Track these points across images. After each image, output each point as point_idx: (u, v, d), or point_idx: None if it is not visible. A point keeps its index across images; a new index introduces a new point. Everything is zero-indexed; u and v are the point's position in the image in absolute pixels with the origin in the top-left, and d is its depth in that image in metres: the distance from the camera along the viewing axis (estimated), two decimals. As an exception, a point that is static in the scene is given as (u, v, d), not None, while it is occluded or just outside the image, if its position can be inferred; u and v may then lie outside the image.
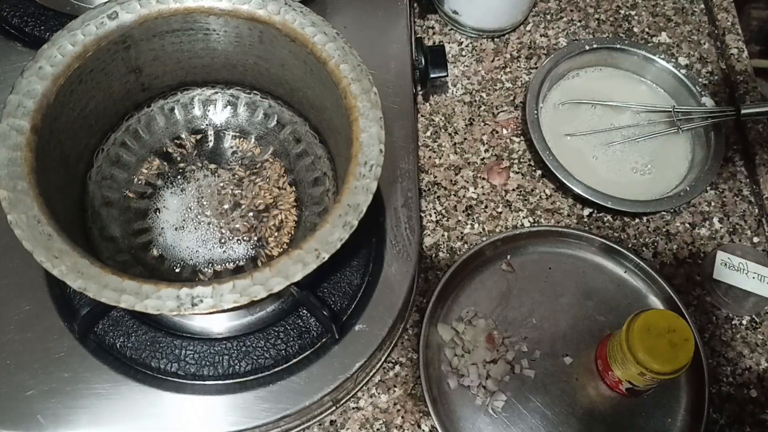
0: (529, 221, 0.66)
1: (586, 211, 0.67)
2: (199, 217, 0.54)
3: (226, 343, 0.51)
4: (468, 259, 0.62)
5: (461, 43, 0.75)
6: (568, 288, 0.63)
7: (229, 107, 0.57)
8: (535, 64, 0.74)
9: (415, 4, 0.76)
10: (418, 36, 0.73)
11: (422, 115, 0.70)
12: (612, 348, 0.56)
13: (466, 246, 0.64)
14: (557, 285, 0.63)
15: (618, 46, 0.72)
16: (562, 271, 0.64)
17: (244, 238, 0.54)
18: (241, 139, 0.57)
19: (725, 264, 0.63)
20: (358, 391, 0.57)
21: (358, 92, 0.47)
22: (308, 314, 0.52)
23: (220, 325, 0.53)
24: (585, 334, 0.61)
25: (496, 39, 0.76)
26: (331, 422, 0.56)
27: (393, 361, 0.59)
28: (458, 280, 0.62)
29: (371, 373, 0.57)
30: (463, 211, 0.66)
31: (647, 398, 0.59)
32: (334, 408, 0.56)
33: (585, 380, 0.60)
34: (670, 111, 0.69)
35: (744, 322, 0.63)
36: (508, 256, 0.64)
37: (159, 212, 0.54)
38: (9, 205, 0.42)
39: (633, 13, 0.79)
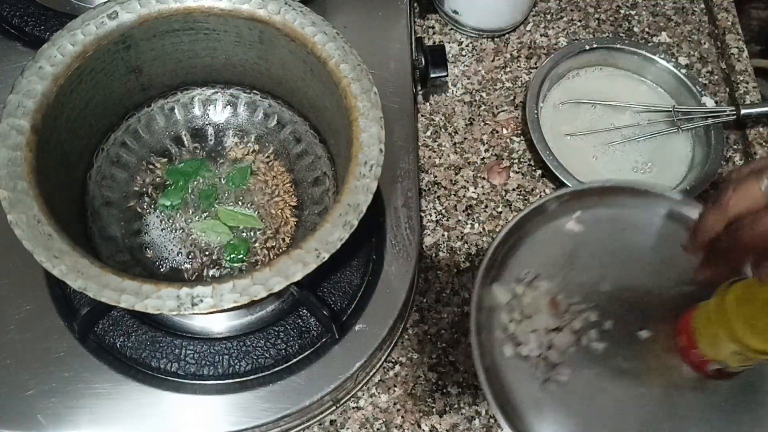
0: (529, 221, 0.66)
1: (586, 211, 0.67)
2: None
3: (226, 342, 0.51)
4: (529, 214, 0.54)
5: (461, 42, 0.75)
6: (646, 253, 0.55)
7: (229, 107, 0.57)
8: (535, 63, 0.74)
9: (415, 4, 0.76)
10: (418, 36, 0.73)
11: (422, 115, 0.70)
12: (699, 321, 0.48)
13: (466, 246, 0.64)
14: (633, 249, 0.55)
15: (618, 45, 0.72)
16: (638, 234, 0.55)
17: (244, 237, 0.54)
18: (241, 138, 0.57)
19: None
20: (358, 391, 0.57)
21: (358, 92, 0.47)
22: (308, 314, 0.52)
23: (220, 324, 0.53)
24: (665, 305, 0.52)
25: (496, 39, 0.76)
26: (331, 422, 0.56)
27: (393, 361, 0.59)
28: (516, 238, 0.54)
29: (371, 373, 0.57)
30: (463, 211, 0.66)
31: (737, 381, 0.51)
32: (334, 408, 0.56)
33: (663, 358, 0.51)
34: (670, 111, 0.69)
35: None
36: (577, 213, 0.56)
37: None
38: (9, 205, 0.42)
39: (633, 12, 0.79)
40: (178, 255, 0.53)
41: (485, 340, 0.51)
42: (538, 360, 0.51)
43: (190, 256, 0.53)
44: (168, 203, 0.54)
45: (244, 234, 0.54)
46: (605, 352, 0.51)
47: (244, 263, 0.53)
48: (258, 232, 0.54)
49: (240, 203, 0.55)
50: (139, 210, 0.54)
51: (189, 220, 0.54)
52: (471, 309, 0.51)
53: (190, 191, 0.55)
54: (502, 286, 0.53)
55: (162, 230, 0.54)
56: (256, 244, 0.54)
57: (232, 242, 0.53)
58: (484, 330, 0.51)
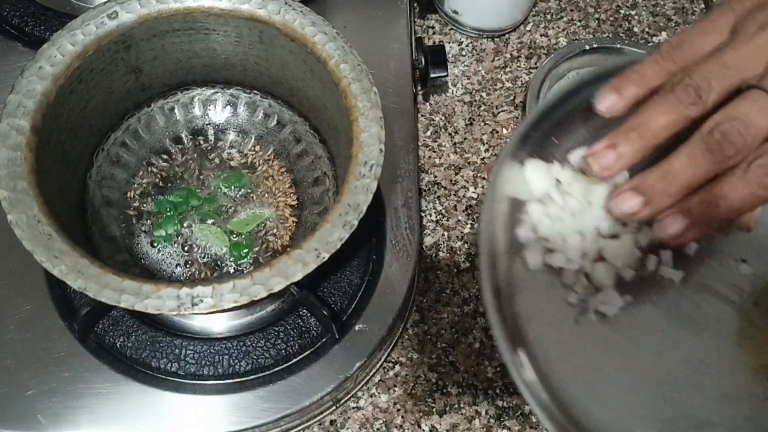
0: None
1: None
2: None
3: (226, 342, 0.51)
4: (592, 78, 0.35)
5: (461, 42, 0.75)
6: None
7: (229, 107, 0.57)
8: (535, 63, 0.74)
9: (415, 4, 0.76)
10: (418, 36, 0.73)
11: (422, 115, 0.70)
12: None
13: (466, 246, 0.64)
14: None
15: (618, 45, 0.72)
16: None
17: (244, 237, 0.54)
18: (241, 138, 0.57)
19: None
20: (358, 391, 0.57)
21: (358, 92, 0.47)
22: (308, 314, 0.52)
23: (220, 324, 0.53)
24: None
25: (496, 39, 0.76)
26: (331, 422, 0.56)
27: (393, 360, 0.59)
28: (577, 101, 0.35)
29: (371, 373, 0.57)
30: (463, 211, 0.66)
31: None
32: (334, 408, 0.56)
33: None
34: (670, 111, 0.69)
35: None
36: None
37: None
38: (9, 205, 0.42)
39: (633, 12, 0.79)
40: (178, 258, 0.53)
41: (498, 245, 0.34)
42: (577, 276, 0.34)
43: (187, 264, 0.53)
44: (163, 233, 0.53)
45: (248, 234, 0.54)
46: (683, 284, 0.35)
47: (251, 256, 0.53)
48: (259, 230, 0.54)
49: (242, 207, 0.55)
50: (140, 210, 0.54)
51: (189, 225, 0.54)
52: (487, 194, 0.35)
53: (185, 224, 0.54)
54: (541, 164, 0.35)
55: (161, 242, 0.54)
56: (257, 246, 0.54)
57: (234, 242, 0.53)
58: (500, 227, 0.34)
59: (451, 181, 0.67)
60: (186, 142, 0.56)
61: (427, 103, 0.71)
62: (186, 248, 0.53)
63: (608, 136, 0.33)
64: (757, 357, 0.34)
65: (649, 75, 0.33)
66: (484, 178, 0.67)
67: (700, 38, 0.33)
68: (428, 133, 0.70)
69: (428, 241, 0.64)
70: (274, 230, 0.54)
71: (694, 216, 0.31)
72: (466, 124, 0.70)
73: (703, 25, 0.34)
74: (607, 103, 0.34)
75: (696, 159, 0.31)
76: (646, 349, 0.34)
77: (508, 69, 0.74)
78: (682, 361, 0.34)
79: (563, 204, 0.35)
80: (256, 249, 0.53)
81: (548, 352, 0.32)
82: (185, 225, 0.54)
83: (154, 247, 0.53)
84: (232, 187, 0.55)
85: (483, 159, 0.68)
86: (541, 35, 0.76)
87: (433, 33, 0.76)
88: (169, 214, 0.53)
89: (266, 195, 0.55)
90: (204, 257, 0.53)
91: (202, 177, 0.55)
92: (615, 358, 0.34)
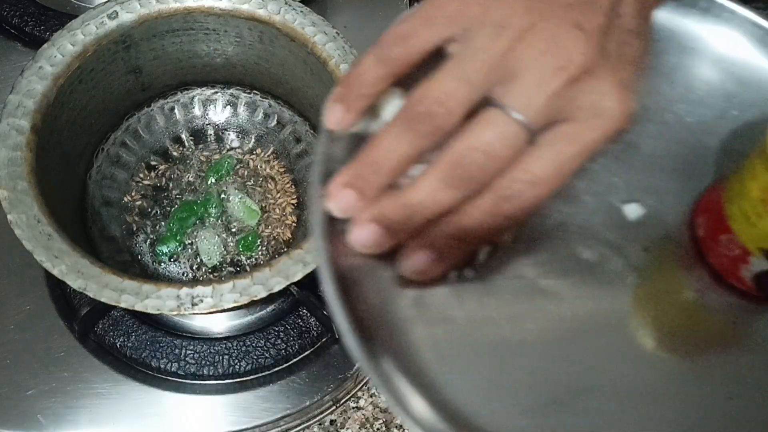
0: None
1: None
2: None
3: (226, 342, 0.51)
4: None
5: (461, 42, 0.75)
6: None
7: (229, 107, 0.57)
8: (536, 63, 0.74)
9: (415, 4, 0.76)
10: (418, 36, 0.73)
11: (422, 115, 0.70)
12: (732, 189, 0.29)
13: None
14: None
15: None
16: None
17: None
18: (241, 138, 0.57)
19: None
20: (357, 391, 0.57)
21: (358, 92, 0.47)
22: (308, 314, 0.52)
23: (220, 324, 0.53)
24: (672, 170, 0.33)
25: (496, 39, 0.75)
26: (331, 422, 0.56)
27: (393, 360, 0.58)
28: None
29: (371, 373, 0.57)
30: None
31: None
32: (334, 408, 0.56)
33: (666, 255, 0.31)
34: (670, 111, 0.69)
35: None
36: None
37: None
38: (9, 204, 0.42)
39: (633, 12, 0.79)
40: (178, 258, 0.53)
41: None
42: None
43: (192, 266, 0.53)
44: (165, 250, 0.53)
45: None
46: (559, 231, 0.31)
47: (258, 248, 0.53)
48: (260, 228, 0.54)
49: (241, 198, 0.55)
50: (139, 210, 0.54)
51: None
52: (317, 142, 0.30)
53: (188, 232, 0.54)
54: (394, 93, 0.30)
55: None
56: (259, 245, 0.54)
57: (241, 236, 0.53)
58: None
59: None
60: (186, 142, 0.56)
61: (427, 103, 0.71)
62: (188, 252, 0.53)
63: (343, 171, 0.28)
64: (642, 312, 0.30)
65: (371, 79, 0.29)
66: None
67: (426, 30, 0.29)
68: (428, 133, 0.69)
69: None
70: (275, 230, 0.54)
71: (439, 249, 0.29)
72: (466, 124, 0.70)
73: (428, 13, 0.29)
74: (334, 119, 0.30)
75: (436, 194, 0.28)
76: (518, 315, 0.29)
77: (508, 69, 0.74)
78: (561, 323, 0.29)
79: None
80: (258, 249, 0.53)
81: (399, 334, 0.28)
82: (187, 232, 0.54)
83: (157, 257, 0.53)
84: (224, 179, 0.55)
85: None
86: (541, 35, 0.76)
87: (433, 33, 0.76)
88: (173, 231, 0.53)
89: (266, 195, 0.55)
90: (205, 260, 0.53)
91: (201, 176, 0.55)
92: (480, 333, 0.29)
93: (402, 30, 0.29)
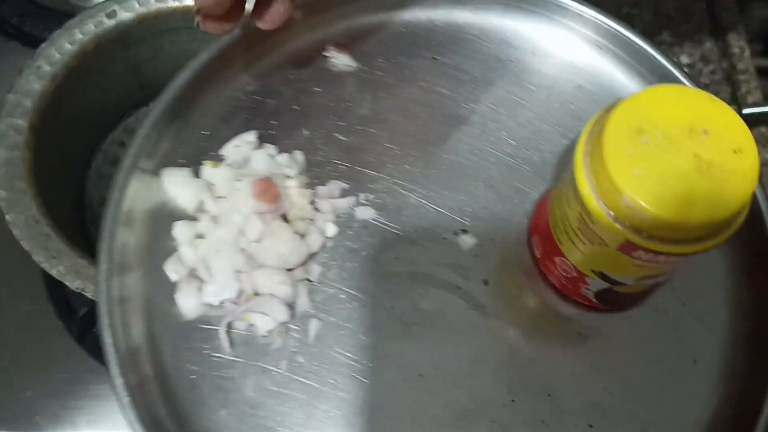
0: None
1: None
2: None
3: (225, 343, 0.51)
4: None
5: (462, 42, 0.75)
6: (459, 95, 0.34)
7: (228, 107, 0.57)
8: (536, 63, 0.74)
9: None
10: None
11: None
12: (557, 201, 0.28)
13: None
14: (434, 82, 0.33)
15: (619, 45, 0.72)
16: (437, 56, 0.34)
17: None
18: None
19: None
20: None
21: (357, 91, 0.47)
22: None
23: (219, 325, 0.52)
24: (502, 197, 0.32)
25: (496, 38, 0.75)
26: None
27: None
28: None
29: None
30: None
31: (638, 314, 0.30)
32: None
33: (507, 283, 0.30)
34: (672, 110, 0.69)
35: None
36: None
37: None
38: (7, 205, 0.41)
39: (634, 11, 0.79)
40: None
41: (137, 305, 0.30)
42: (242, 307, 0.29)
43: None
44: None
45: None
46: (392, 282, 0.29)
47: None
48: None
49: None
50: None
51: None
52: (98, 254, 0.31)
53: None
54: (180, 174, 0.31)
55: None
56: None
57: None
58: (131, 283, 0.31)
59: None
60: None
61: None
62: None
63: None
64: (492, 349, 0.29)
65: None
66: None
67: None
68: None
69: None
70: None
71: None
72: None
73: None
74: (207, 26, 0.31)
75: None
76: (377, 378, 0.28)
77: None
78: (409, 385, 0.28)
79: (217, 211, 0.31)
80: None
81: None
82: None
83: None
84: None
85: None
86: (542, 34, 0.76)
87: (434, 32, 0.76)
88: None
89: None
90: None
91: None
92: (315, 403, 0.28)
93: None
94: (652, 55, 0.35)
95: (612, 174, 0.23)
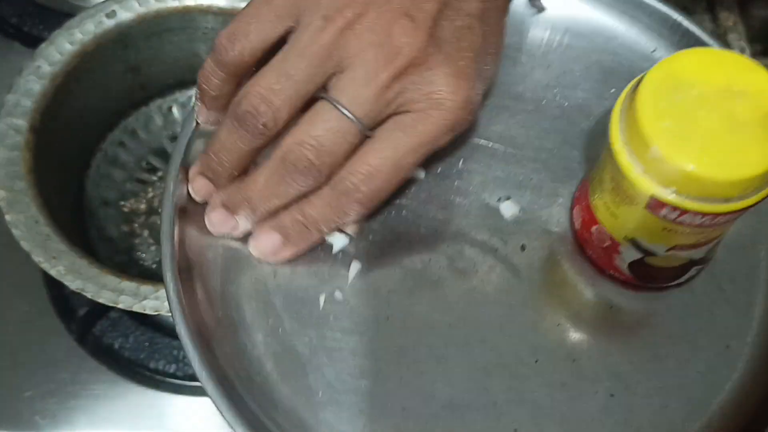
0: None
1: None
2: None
3: (225, 343, 0.51)
4: None
5: (462, 42, 0.75)
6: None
7: (228, 107, 0.57)
8: (536, 63, 0.74)
9: None
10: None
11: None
12: (597, 169, 0.29)
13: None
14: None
15: (619, 45, 0.72)
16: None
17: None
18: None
19: None
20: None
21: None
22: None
23: (219, 325, 0.52)
24: (548, 160, 0.32)
25: (496, 38, 0.75)
26: (331, 423, 0.56)
27: (393, 361, 0.58)
28: None
29: (371, 374, 0.57)
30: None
31: (673, 294, 0.30)
32: (333, 409, 0.55)
33: (544, 252, 0.30)
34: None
35: None
36: None
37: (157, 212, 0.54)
38: (7, 205, 0.41)
39: (634, 12, 0.79)
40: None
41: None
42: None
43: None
44: None
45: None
46: (430, 239, 0.30)
47: None
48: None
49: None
50: (138, 210, 0.54)
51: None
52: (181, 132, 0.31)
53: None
54: None
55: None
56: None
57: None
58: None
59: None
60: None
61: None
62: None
63: (198, 160, 0.30)
64: (524, 315, 0.29)
65: (214, 84, 0.29)
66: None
67: (256, 27, 0.28)
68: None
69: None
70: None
71: (286, 232, 0.29)
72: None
73: (257, 9, 0.28)
74: (200, 116, 0.31)
75: (271, 187, 0.29)
76: (392, 333, 0.29)
77: (508, 68, 0.74)
78: (437, 337, 0.29)
79: None
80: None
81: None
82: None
83: (152, 249, 0.53)
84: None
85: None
86: (541, 35, 0.76)
87: (434, 32, 0.76)
88: None
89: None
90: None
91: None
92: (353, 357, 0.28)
93: (232, 31, 0.29)
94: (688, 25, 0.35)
95: (642, 126, 0.24)
